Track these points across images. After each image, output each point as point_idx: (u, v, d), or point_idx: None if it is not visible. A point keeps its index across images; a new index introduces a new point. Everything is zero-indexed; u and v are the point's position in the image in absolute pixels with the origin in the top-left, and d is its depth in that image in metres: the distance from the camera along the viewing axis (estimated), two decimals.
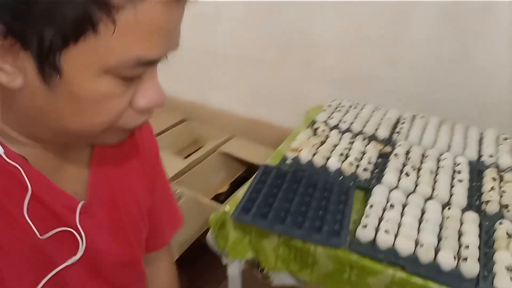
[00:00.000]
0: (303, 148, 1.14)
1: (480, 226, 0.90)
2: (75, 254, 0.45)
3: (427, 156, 1.14)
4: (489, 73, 1.44)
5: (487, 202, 0.97)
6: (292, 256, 0.90)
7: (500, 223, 0.90)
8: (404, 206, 0.95)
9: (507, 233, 0.87)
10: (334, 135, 1.23)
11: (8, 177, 0.40)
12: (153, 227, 0.61)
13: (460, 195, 0.99)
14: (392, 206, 0.93)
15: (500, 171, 1.10)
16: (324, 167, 1.09)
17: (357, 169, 1.08)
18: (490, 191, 1.00)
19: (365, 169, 1.08)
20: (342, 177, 1.06)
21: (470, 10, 1.40)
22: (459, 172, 1.07)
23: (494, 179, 1.05)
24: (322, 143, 1.19)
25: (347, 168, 1.07)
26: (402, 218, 0.91)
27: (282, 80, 1.89)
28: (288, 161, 1.12)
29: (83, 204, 0.46)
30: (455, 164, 1.12)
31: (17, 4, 0.31)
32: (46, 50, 0.33)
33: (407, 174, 1.05)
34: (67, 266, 0.44)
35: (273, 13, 1.76)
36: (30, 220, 0.40)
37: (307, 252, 0.87)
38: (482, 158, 1.15)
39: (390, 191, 0.99)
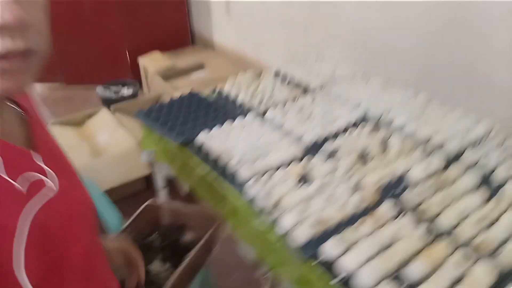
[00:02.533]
0: (231, 86, 1.42)
1: None
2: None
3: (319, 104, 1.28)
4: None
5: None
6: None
7: None
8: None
9: None
10: (268, 80, 1.46)
11: None
12: None
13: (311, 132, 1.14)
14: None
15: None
16: (234, 100, 1.36)
17: (257, 103, 1.31)
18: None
19: (260, 102, 1.30)
20: (241, 107, 1.32)
21: None
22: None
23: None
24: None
25: (247, 101, 1.32)
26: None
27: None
28: (215, 92, 1.43)
29: (35, 154, 0.47)
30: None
31: None
32: None
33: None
34: (45, 207, 0.44)
35: None
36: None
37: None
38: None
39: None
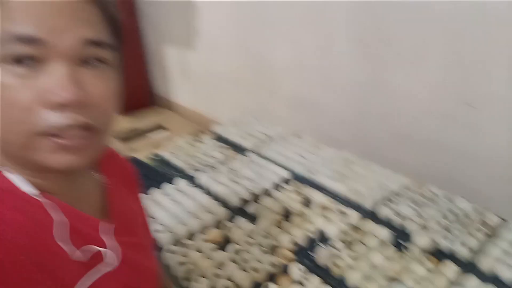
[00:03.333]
0: (169, 150, 1.48)
1: None
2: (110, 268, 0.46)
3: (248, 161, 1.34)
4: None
5: None
6: None
7: None
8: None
9: None
10: (205, 142, 1.52)
11: (34, 208, 0.41)
12: None
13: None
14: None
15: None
16: (171, 165, 1.40)
17: (189, 166, 1.36)
18: None
19: (193, 168, 1.35)
20: (175, 172, 1.36)
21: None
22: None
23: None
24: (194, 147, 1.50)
25: (181, 165, 1.37)
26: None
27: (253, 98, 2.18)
28: (156, 156, 1.47)
29: (104, 224, 0.48)
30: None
31: None
32: None
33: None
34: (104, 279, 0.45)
35: (247, 43, 2.09)
36: (62, 244, 0.41)
37: None
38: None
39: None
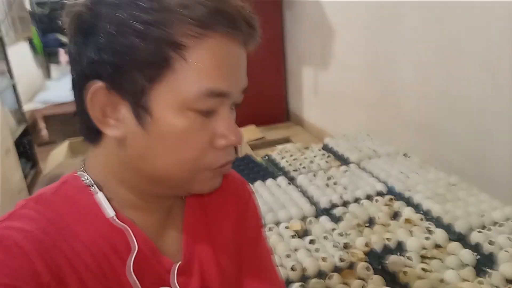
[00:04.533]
0: (279, 153, 1.65)
1: None
2: None
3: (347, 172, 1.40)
4: None
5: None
6: None
7: None
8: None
9: None
10: (313, 150, 1.64)
11: (116, 236, 0.45)
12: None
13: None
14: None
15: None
16: (278, 165, 1.57)
17: (293, 169, 1.50)
18: None
19: (295, 170, 1.48)
20: (279, 170, 1.52)
21: None
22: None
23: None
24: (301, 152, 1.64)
25: (288, 167, 1.52)
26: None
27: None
28: (267, 156, 1.66)
29: (178, 266, 0.49)
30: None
31: (116, 59, 0.39)
32: (138, 94, 0.40)
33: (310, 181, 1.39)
34: None
35: (374, 65, 2.15)
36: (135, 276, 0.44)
37: None
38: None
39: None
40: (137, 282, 0.44)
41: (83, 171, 0.47)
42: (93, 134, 0.45)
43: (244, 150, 2.92)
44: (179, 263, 0.49)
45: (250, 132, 3.06)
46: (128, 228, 0.45)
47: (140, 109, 0.41)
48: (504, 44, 1.38)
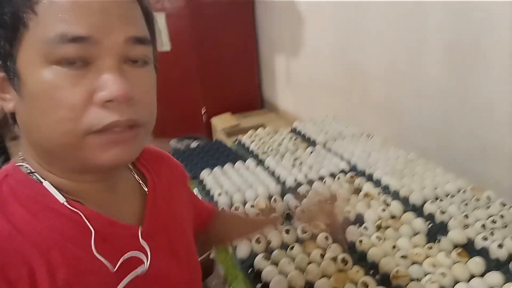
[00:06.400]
0: (249, 137, 1.69)
1: None
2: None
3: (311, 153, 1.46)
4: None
5: None
6: None
7: None
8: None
9: None
10: (282, 134, 1.69)
11: (72, 221, 0.43)
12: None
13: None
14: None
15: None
16: (248, 149, 1.61)
17: (261, 151, 1.54)
18: None
19: (264, 152, 1.53)
20: (248, 153, 1.56)
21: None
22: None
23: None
24: (269, 136, 1.68)
25: (257, 150, 1.56)
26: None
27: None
28: (237, 141, 1.70)
29: (142, 230, 0.49)
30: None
31: None
32: (6, 61, 0.40)
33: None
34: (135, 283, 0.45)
35: (343, 51, 2.21)
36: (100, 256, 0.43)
37: None
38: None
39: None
40: (105, 260, 0.43)
41: (22, 161, 0.45)
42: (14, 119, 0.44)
43: (220, 137, 2.96)
44: (141, 227, 0.49)
45: (225, 120, 3.10)
46: (80, 212, 0.43)
47: (11, 76, 0.40)
48: (465, 28, 1.44)
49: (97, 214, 0.45)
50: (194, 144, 2.96)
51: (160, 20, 3.01)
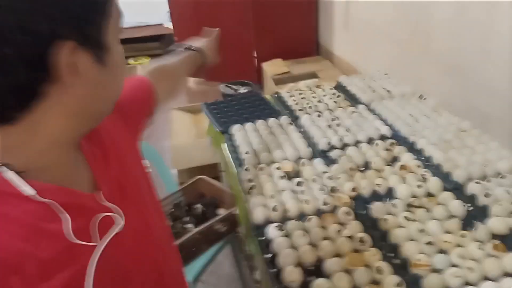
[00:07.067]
0: (289, 90, 1.59)
1: None
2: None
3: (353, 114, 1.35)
4: None
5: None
6: None
7: None
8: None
9: None
10: (324, 90, 1.57)
11: (41, 209, 0.42)
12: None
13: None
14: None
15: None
16: (285, 103, 1.53)
17: (299, 108, 1.46)
18: None
19: (301, 109, 1.44)
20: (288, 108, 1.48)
21: None
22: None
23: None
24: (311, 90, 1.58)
25: (294, 106, 1.47)
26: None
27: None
28: (275, 94, 1.62)
29: (102, 193, 0.49)
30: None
31: (85, 10, 0.42)
32: (97, 37, 0.44)
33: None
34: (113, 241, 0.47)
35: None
36: (79, 239, 0.43)
37: None
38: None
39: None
40: (86, 242, 0.44)
41: None
42: (9, 113, 0.41)
43: (269, 85, 2.87)
44: (100, 192, 0.50)
45: (276, 66, 2.98)
46: (55, 202, 0.42)
47: (99, 50, 0.44)
48: None
49: (65, 189, 0.45)
50: (242, 90, 2.91)
51: None
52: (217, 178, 1.75)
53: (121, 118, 0.64)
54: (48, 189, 0.43)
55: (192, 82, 3.57)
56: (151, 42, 3.95)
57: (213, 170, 2.29)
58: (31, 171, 0.43)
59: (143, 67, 3.74)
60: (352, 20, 2.65)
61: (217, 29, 1.14)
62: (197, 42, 1.03)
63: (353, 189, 1.02)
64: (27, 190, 0.41)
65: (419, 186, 1.01)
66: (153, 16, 4.13)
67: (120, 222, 0.49)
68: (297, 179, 1.07)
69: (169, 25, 3.59)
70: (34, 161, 0.44)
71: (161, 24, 4.14)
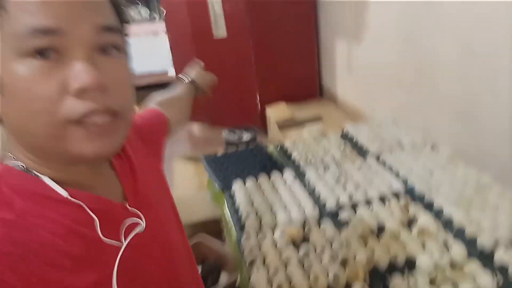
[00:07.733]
0: (293, 140, 1.51)
1: None
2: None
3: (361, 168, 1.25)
4: None
5: None
6: None
7: None
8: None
9: None
10: (330, 140, 1.49)
11: (75, 211, 0.46)
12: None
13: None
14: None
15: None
16: (289, 156, 1.44)
17: (304, 161, 1.37)
18: None
19: (306, 162, 1.35)
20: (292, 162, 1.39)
21: None
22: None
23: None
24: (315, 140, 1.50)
25: (299, 159, 1.39)
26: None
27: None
28: (278, 146, 1.54)
29: (128, 203, 0.53)
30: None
31: None
32: None
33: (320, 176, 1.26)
34: (133, 247, 0.50)
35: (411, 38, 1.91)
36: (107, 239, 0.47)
37: None
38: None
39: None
40: (112, 241, 0.49)
41: (13, 160, 0.47)
42: None
43: (273, 130, 2.80)
44: (127, 201, 0.55)
45: (280, 111, 2.92)
46: (82, 204, 0.47)
47: None
48: None
49: (96, 197, 0.49)
50: (246, 136, 2.85)
51: (217, 5, 2.88)
52: (221, 231, 1.64)
53: (140, 139, 0.70)
54: (78, 194, 0.47)
55: (195, 128, 3.53)
56: (155, 90, 3.96)
57: (217, 225, 2.18)
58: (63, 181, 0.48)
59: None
60: (355, 63, 2.62)
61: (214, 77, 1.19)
62: (192, 73, 1.12)
63: (368, 261, 0.91)
64: (61, 192, 0.46)
65: (441, 255, 0.89)
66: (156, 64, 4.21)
67: (141, 224, 0.53)
68: (304, 248, 0.96)
69: (172, 70, 3.59)
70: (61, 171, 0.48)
71: (165, 73, 4.18)
